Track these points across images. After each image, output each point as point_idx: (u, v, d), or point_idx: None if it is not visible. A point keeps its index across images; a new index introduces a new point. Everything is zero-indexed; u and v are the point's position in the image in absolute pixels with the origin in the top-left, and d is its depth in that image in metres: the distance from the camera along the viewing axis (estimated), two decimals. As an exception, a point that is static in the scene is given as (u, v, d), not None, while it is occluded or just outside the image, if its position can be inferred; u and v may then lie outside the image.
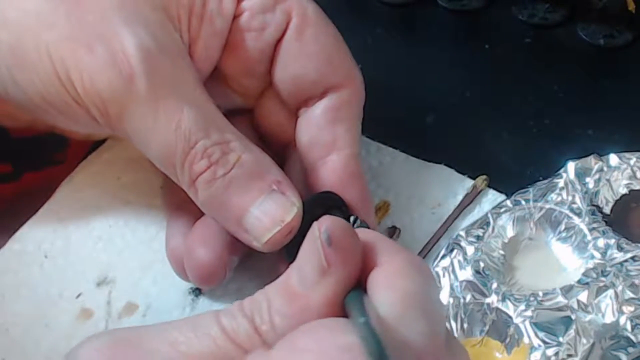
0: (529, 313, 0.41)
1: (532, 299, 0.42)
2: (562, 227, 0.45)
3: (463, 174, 0.49)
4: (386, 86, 0.54)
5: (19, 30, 0.39)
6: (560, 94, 0.53)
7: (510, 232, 0.45)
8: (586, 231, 0.44)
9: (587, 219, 0.44)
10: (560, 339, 0.40)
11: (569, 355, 0.39)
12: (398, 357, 0.29)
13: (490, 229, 0.45)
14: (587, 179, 0.46)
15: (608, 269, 0.42)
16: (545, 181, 0.47)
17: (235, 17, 0.42)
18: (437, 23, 0.59)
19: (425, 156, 0.50)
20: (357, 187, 0.43)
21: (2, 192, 0.51)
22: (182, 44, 0.41)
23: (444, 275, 0.44)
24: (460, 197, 0.48)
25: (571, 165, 0.46)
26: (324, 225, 0.31)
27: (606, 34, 0.55)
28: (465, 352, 0.34)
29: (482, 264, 0.43)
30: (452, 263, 0.44)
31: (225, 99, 0.45)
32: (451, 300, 0.43)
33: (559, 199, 0.45)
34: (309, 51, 0.43)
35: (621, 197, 0.46)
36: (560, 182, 0.46)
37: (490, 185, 0.48)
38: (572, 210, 0.45)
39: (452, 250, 0.44)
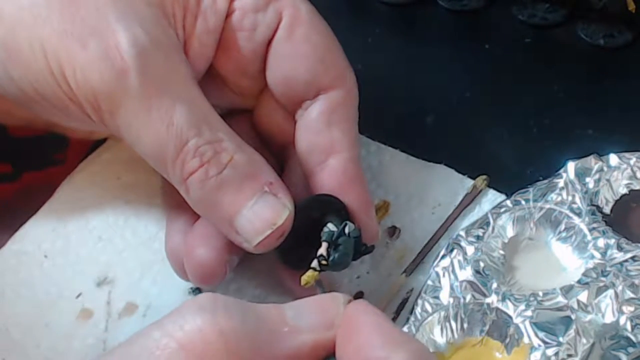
0: (529, 313, 0.41)
1: (532, 299, 0.42)
2: (562, 227, 0.45)
3: (463, 174, 0.49)
4: (386, 86, 0.54)
5: (13, 25, 0.39)
6: (560, 94, 0.53)
7: (510, 232, 0.45)
8: (586, 231, 0.44)
9: (587, 219, 0.44)
10: (560, 339, 0.40)
11: (569, 355, 0.39)
12: None
13: (490, 229, 0.45)
14: (587, 179, 0.46)
15: (608, 269, 0.42)
16: (545, 181, 0.47)
17: (228, 15, 0.42)
18: (437, 23, 0.59)
19: (425, 156, 0.50)
20: (357, 190, 0.42)
21: (2, 192, 0.51)
22: (177, 40, 0.41)
23: (444, 275, 0.44)
24: (460, 197, 0.48)
25: (571, 165, 0.46)
26: None
27: (606, 34, 0.55)
28: None
29: (482, 264, 0.43)
30: (452, 263, 0.44)
31: (224, 98, 0.45)
32: (451, 300, 0.43)
33: (559, 199, 0.45)
34: (299, 51, 0.43)
35: (621, 197, 0.46)
36: (560, 182, 0.46)
37: (490, 185, 0.48)
38: (572, 210, 0.45)
39: (452, 250, 0.44)
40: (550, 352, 0.40)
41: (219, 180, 0.39)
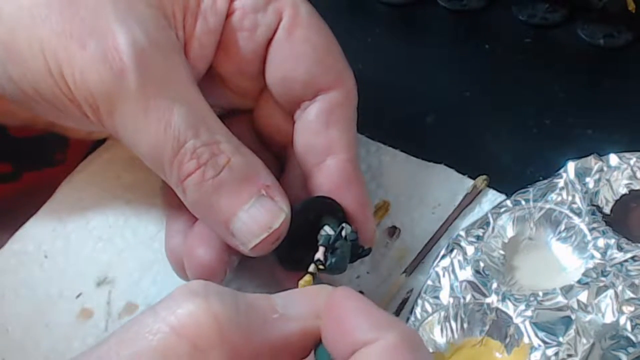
0: (529, 313, 0.41)
1: (532, 299, 0.42)
2: (562, 227, 0.45)
3: (463, 174, 0.49)
4: (386, 86, 0.54)
5: (13, 25, 0.39)
6: (560, 94, 0.53)
7: (510, 232, 0.45)
8: (586, 231, 0.44)
9: (587, 219, 0.44)
10: (560, 339, 0.40)
11: (569, 355, 0.39)
12: None
13: (490, 229, 0.45)
14: (587, 179, 0.46)
15: (608, 269, 0.42)
16: (545, 181, 0.47)
17: (228, 16, 0.42)
18: (437, 23, 0.59)
19: (425, 156, 0.50)
20: (354, 192, 0.42)
21: (2, 192, 0.51)
22: (177, 41, 0.41)
23: (444, 275, 0.44)
24: (460, 197, 0.48)
25: (571, 165, 0.46)
26: None
27: (606, 34, 0.55)
28: None
29: (482, 264, 0.43)
30: (452, 263, 0.44)
31: (224, 99, 0.45)
32: (451, 300, 0.42)
33: (559, 199, 0.45)
34: (298, 52, 0.43)
35: (621, 197, 0.46)
36: (560, 182, 0.46)
37: (490, 185, 0.48)
38: (572, 210, 0.45)
39: (452, 250, 0.44)
40: (550, 352, 0.40)
41: (216, 183, 0.39)
